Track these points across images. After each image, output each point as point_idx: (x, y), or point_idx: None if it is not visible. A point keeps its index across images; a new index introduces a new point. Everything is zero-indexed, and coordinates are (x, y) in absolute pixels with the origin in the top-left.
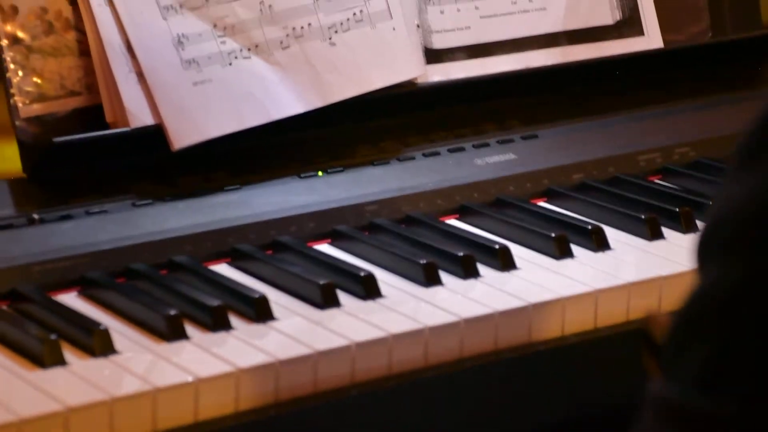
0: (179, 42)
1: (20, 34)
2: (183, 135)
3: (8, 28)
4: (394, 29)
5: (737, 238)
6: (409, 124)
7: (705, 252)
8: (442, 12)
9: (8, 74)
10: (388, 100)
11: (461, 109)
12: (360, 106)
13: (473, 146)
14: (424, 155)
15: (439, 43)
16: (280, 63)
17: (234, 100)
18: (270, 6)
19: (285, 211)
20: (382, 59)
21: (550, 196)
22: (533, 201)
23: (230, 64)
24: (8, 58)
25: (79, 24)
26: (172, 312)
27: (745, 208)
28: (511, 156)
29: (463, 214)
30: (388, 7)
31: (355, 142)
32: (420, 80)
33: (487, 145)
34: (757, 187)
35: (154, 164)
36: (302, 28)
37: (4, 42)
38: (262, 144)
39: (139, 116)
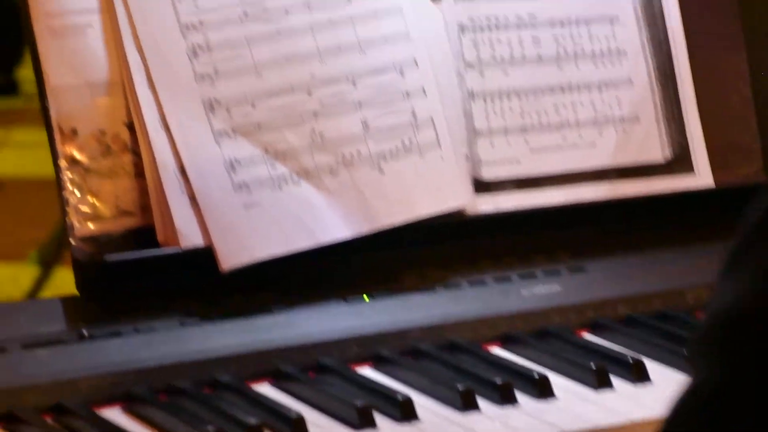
0: (231, 166)
1: (79, 156)
2: (232, 256)
3: (67, 149)
4: (442, 159)
5: (719, 340)
6: (456, 253)
7: (696, 351)
8: (492, 144)
9: (65, 194)
10: (436, 227)
11: (509, 240)
12: (408, 232)
13: (520, 276)
14: (470, 284)
15: (488, 174)
16: (329, 189)
17: (283, 224)
18: (321, 133)
19: (329, 334)
20: (431, 187)
21: (595, 328)
22: (577, 332)
23: (280, 188)
24: (66, 179)
25: (136, 147)
26: (210, 429)
27: (726, 313)
28: (557, 288)
29: (506, 342)
30: (437, 137)
31: (401, 268)
32: (468, 210)
33: (533, 276)
34: (734, 295)
35: (203, 284)
36: (352, 155)
37: (63, 163)
38: (310, 267)
39: (190, 237)
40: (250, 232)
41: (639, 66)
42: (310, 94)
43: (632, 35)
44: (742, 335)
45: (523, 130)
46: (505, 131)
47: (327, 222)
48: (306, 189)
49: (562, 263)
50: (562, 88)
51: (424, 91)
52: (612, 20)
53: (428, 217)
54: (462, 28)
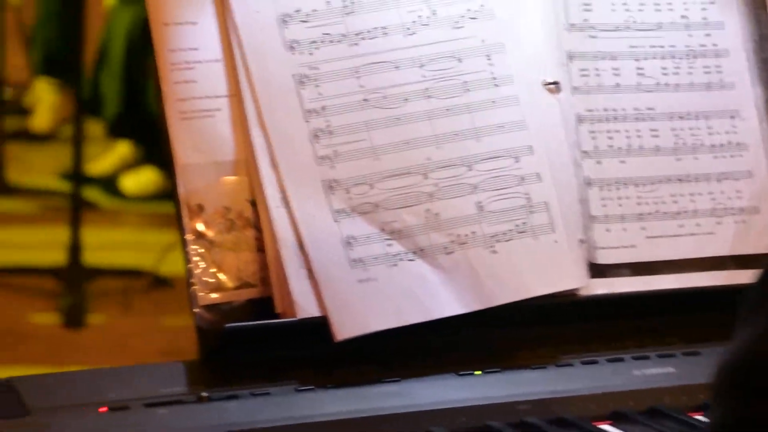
0: (348, 243)
1: (204, 230)
2: (346, 327)
3: (194, 224)
4: (556, 242)
5: (734, 384)
6: (569, 333)
7: (715, 393)
8: (608, 230)
9: (190, 265)
10: (550, 308)
11: (623, 323)
12: (522, 311)
13: (632, 358)
14: (582, 363)
15: (603, 258)
16: (443, 266)
17: (396, 298)
18: (436, 214)
19: (438, 405)
20: (543, 269)
21: (707, 410)
22: (689, 414)
23: (395, 265)
24: (192, 251)
25: (258, 223)
26: None
27: (739, 359)
28: (670, 369)
29: (615, 420)
30: (551, 220)
31: (514, 346)
32: (582, 292)
33: (646, 357)
34: (748, 340)
35: (318, 353)
36: (466, 235)
37: (189, 236)
38: (422, 341)
39: (306, 308)
40: (364, 305)
41: (759, 159)
42: (426, 177)
43: (753, 129)
44: (755, 374)
45: (640, 217)
46: (622, 218)
47: (440, 298)
48: (420, 266)
49: (677, 347)
50: (680, 178)
51: (539, 177)
52: (733, 115)
53: (543, 296)
54: (580, 119)
